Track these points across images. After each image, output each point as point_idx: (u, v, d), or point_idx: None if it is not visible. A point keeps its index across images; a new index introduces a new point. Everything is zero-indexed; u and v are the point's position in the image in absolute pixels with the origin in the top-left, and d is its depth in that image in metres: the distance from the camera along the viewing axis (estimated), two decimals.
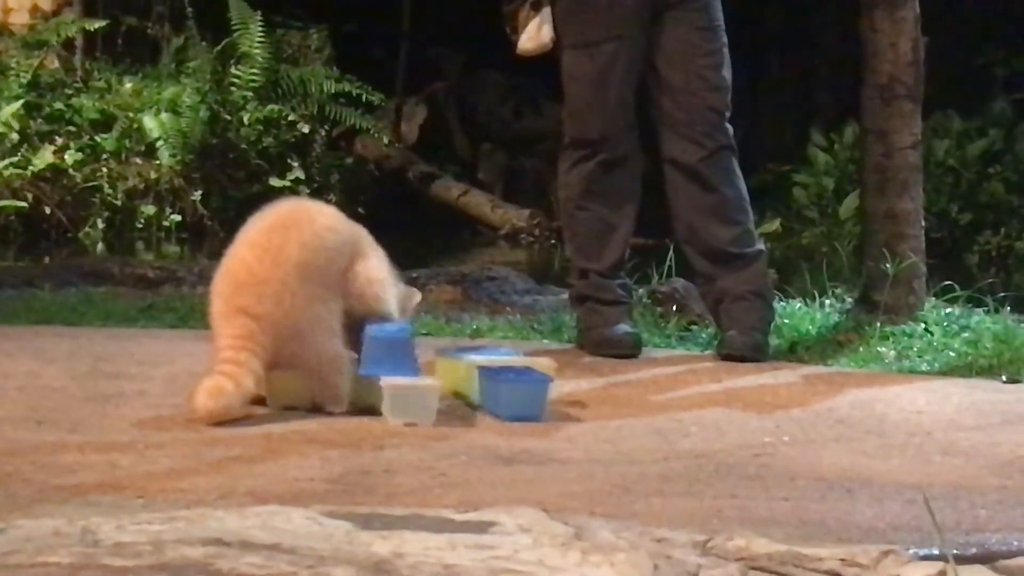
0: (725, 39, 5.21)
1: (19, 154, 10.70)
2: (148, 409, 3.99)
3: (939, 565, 2.61)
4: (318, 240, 4.09)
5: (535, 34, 5.13)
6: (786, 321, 5.58)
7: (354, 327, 4.12)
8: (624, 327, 5.18)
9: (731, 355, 5.07)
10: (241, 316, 3.93)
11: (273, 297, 3.95)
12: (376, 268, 4.26)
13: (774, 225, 10.67)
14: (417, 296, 4.50)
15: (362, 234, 4.32)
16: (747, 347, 5.10)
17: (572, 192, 5.24)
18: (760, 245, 5.32)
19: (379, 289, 4.22)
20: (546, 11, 5.14)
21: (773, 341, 5.33)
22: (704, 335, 5.54)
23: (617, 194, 5.21)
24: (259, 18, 11.71)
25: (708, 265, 5.22)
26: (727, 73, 5.20)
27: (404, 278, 7.33)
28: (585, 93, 5.15)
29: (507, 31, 5.21)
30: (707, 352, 5.33)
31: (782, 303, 5.79)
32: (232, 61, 11.64)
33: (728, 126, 5.21)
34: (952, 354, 5.26)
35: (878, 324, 5.48)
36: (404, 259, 8.61)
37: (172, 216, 10.97)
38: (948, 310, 5.69)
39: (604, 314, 5.20)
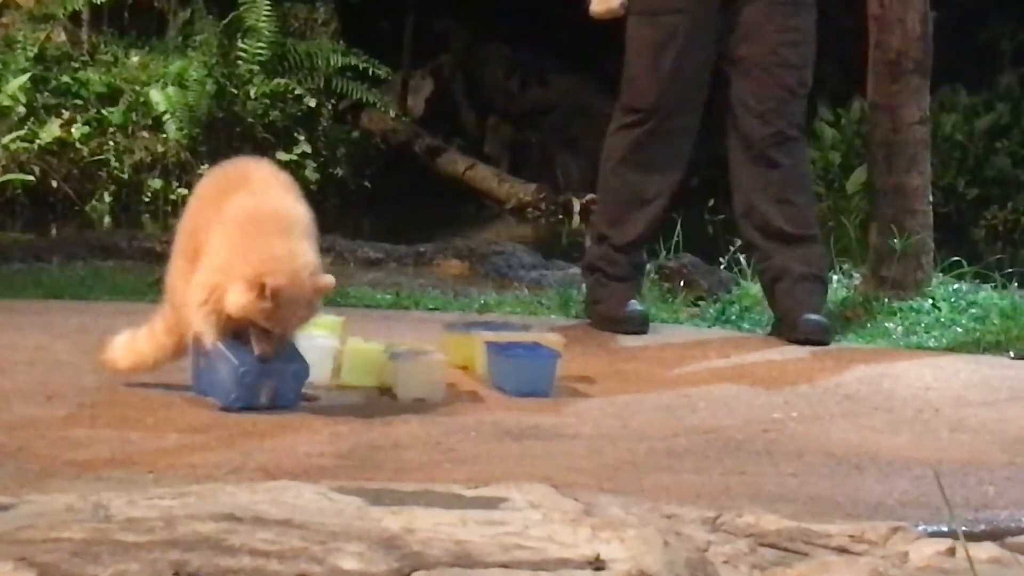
0: (813, 16, 5.13)
1: (26, 127, 10.69)
2: (157, 383, 4.00)
3: (948, 542, 2.61)
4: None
5: None
6: None
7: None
8: (631, 304, 5.13)
9: (809, 339, 4.93)
10: None
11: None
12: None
13: None
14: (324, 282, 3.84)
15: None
16: (823, 330, 4.99)
17: (612, 154, 5.17)
18: (816, 228, 5.21)
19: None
20: None
21: None
22: (712, 310, 5.54)
23: (657, 167, 5.12)
24: None
25: (763, 240, 5.13)
26: (806, 51, 5.11)
27: (411, 252, 7.39)
28: (641, 60, 5.08)
29: None
30: (712, 327, 5.33)
31: None
32: (239, 34, 11.62)
33: (798, 106, 5.12)
34: (959, 330, 5.26)
35: (885, 300, 5.48)
36: (411, 233, 8.66)
37: (179, 190, 10.94)
38: (956, 286, 5.69)
39: (612, 290, 5.16)
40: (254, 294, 3.68)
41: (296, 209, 3.86)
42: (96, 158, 10.86)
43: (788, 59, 5.07)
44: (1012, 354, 4.95)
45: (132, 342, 3.99)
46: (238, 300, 3.70)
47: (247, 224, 3.77)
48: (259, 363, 3.78)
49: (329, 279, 3.81)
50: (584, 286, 5.39)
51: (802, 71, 5.11)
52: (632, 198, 5.15)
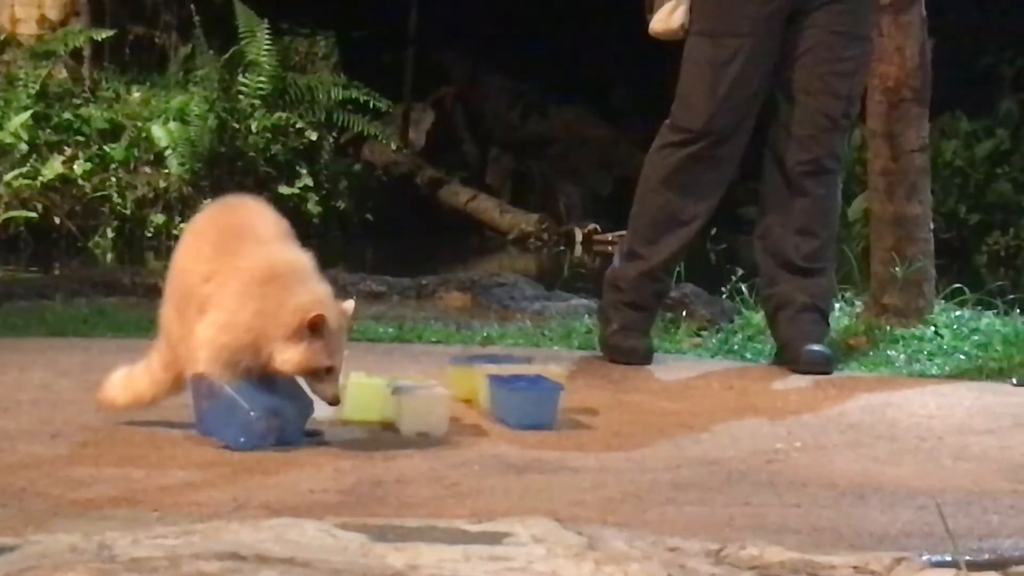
0: (867, 50, 5.11)
1: (28, 164, 10.73)
2: (161, 421, 4.00)
3: (952, 572, 2.61)
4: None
5: (665, 17, 4.99)
6: None
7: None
8: (638, 339, 5.08)
9: (811, 371, 4.90)
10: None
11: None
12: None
13: None
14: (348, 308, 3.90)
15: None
16: (825, 361, 4.96)
17: (654, 173, 5.08)
18: (829, 261, 5.16)
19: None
20: None
21: None
22: (714, 340, 5.54)
23: (697, 191, 5.04)
24: (266, 26, 11.74)
25: (772, 266, 5.10)
26: (855, 83, 5.08)
27: (414, 285, 7.40)
28: (697, 81, 5.00)
29: (645, 9, 5.06)
30: (715, 358, 5.33)
31: None
32: (240, 69, 11.67)
33: (840, 137, 5.09)
34: (962, 357, 5.26)
35: (888, 327, 5.48)
36: (413, 265, 8.67)
37: (181, 225, 10.94)
38: (958, 313, 5.69)
39: (625, 318, 5.09)
40: (305, 340, 3.70)
41: (303, 258, 3.88)
42: (98, 194, 10.89)
43: (836, 89, 5.02)
44: (1015, 381, 4.94)
45: (129, 379, 3.99)
46: (293, 356, 3.72)
47: (265, 283, 3.76)
48: (271, 405, 3.79)
49: (350, 303, 3.88)
50: (602, 299, 5.30)
51: (848, 103, 5.08)
52: (668, 220, 5.07)
